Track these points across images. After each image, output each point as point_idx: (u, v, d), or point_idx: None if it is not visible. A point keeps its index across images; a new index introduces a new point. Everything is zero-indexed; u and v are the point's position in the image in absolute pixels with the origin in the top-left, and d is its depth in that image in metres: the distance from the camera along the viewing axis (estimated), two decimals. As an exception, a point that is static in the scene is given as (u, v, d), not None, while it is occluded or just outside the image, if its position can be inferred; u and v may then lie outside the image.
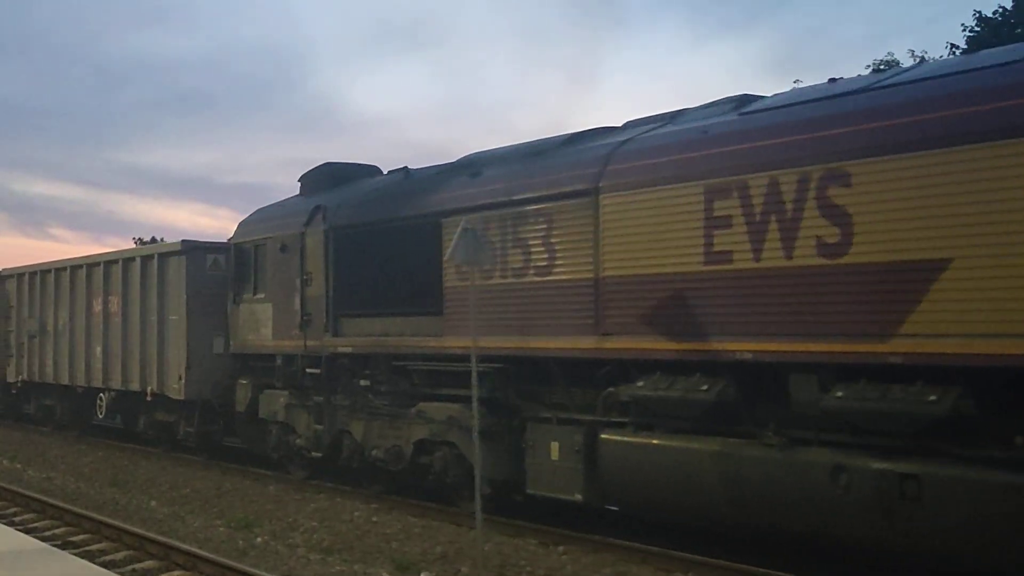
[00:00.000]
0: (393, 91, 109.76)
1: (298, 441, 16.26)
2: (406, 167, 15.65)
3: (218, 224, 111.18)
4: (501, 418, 12.65)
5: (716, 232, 10.14)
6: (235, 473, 17.66)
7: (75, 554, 10.85)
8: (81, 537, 12.63)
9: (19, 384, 25.66)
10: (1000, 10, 28.86)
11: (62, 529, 13.17)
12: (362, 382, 14.84)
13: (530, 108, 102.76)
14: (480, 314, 11.50)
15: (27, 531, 12.33)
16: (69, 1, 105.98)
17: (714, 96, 12.45)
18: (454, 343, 13.00)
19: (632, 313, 10.88)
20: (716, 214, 10.15)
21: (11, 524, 13.03)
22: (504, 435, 12.64)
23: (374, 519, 13.55)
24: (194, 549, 11.35)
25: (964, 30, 29.39)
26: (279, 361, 16.40)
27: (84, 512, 13.76)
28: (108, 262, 21.57)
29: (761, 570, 10.09)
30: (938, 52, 29.49)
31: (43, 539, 11.67)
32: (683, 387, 10.46)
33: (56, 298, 23.67)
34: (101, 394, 21.88)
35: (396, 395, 14.33)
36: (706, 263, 10.21)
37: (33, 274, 25.08)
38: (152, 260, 19.77)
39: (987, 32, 28.23)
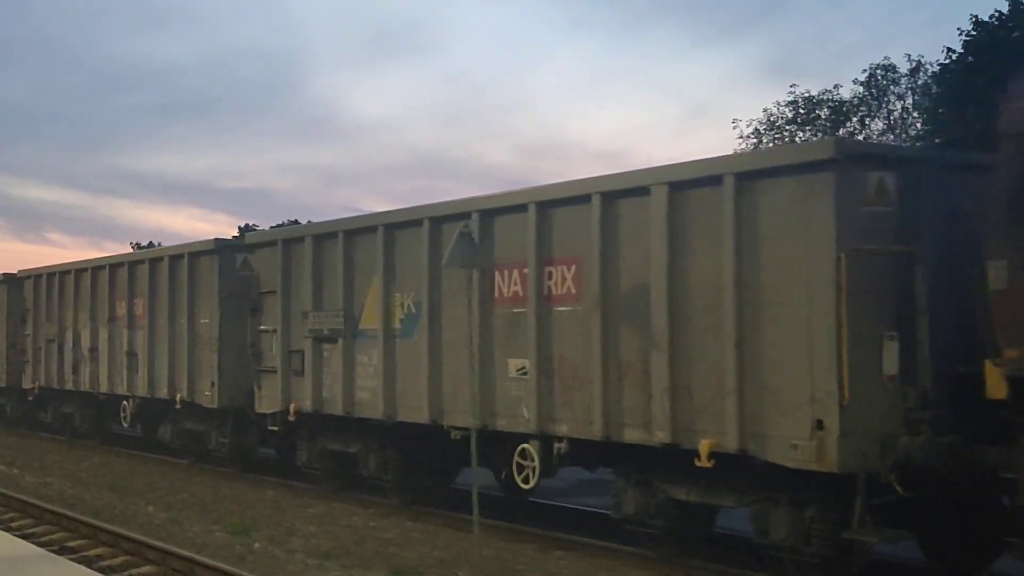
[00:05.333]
0: (392, 95, 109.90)
1: None
2: None
3: (216, 229, 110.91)
4: None
5: None
6: (232, 478, 17.41)
7: (72, 560, 10.87)
8: (78, 543, 12.52)
9: (293, 418, 15.61)
10: (996, 14, 28.89)
11: (59, 535, 13.05)
12: None
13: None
14: None
15: (24, 537, 12.28)
16: (68, 6, 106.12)
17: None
18: None
19: None
20: None
21: (8, 530, 12.88)
22: None
23: (372, 524, 13.39)
24: (192, 554, 11.28)
25: (961, 34, 29.45)
26: None
27: (81, 517, 13.63)
28: (512, 208, 11.99)
29: (758, 575, 10.09)
30: (934, 56, 29.50)
31: (40, 545, 11.65)
32: None
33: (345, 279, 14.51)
34: (525, 445, 11.81)
35: None
36: None
37: (294, 242, 15.70)
38: (684, 196, 10.00)
39: (984, 36, 28.28)
